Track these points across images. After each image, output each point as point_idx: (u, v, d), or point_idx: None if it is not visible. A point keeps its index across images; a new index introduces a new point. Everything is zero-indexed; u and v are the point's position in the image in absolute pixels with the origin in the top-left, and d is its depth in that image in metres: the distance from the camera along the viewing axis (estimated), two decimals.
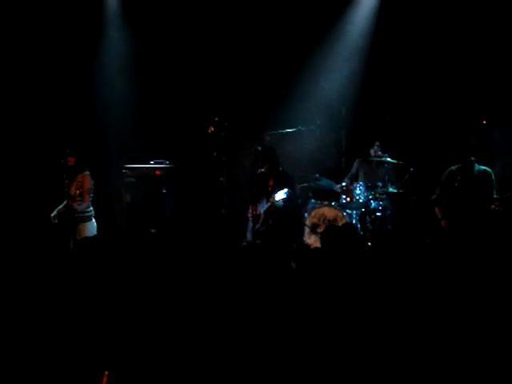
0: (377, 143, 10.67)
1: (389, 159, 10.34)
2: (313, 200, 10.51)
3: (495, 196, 9.27)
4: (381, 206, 10.37)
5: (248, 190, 9.65)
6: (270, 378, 4.54)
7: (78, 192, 9.15)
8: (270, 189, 9.51)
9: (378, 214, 10.35)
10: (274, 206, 9.33)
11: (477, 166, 9.40)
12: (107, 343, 4.81)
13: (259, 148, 9.73)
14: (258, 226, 9.39)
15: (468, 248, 7.57)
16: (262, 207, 9.45)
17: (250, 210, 9.49)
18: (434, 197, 9.61)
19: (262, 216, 9.39)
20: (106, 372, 4.61)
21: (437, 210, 9.56)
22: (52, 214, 9.37)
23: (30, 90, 11.32)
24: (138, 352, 4.75)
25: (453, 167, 9.52)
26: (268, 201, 9.44)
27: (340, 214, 10.18)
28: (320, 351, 4.65)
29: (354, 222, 10.26)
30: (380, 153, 10.57)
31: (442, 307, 5.03)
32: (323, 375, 4.54)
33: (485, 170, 9.38)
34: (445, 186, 9.50)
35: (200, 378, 4.59)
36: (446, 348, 4.65)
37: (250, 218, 9.50)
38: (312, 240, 10.18)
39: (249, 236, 9.54)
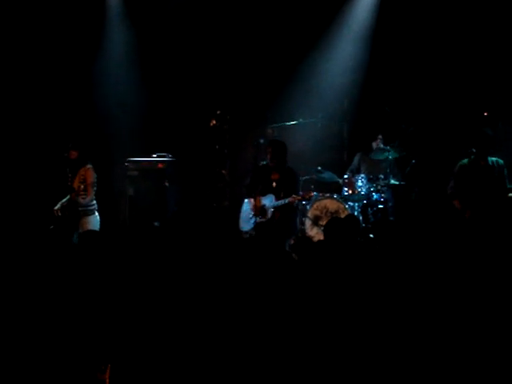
0: (379, 136, 10.67)
1: (390, 157, 10.35)
2: (315, 192, 10.52)
3: (508, 186, 9.20)
4: (382, 198, 10.39)
5: (250, 179, 9.63)
6: (274, 370, 4.56)
7: (81, 186, 9.17)
8: (274, 184, 9.48)
9: (380, 206, 10.36)
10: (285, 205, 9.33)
11: (489, 157, 9.32)
12: (110, 335, 4.84)
13: (270, 141, 9.69)
14: (259, 218, 9.36)
15: (491, 236, 7.60)
16: (269, 202, 9.39)
17: (252, 201, 9.44)
18: (449, 190, 9.42)
19: (268, 210, 9.35)
20: (109, 365, 4.64)
21: (455, 202, 9.30)
22: (55, 208, 9.39)
23: (33, 85, 11.33)
24: (141, 345, 4.77)
25: (464, 160, 9.37)
26: (275, 196, 9.38)
27: (342, 206, 10.19)
28: (323, 343, 4.66)
29: (355, 214, 10.27)
30: (382, 145, 10.57)
31: (446, 300, 5.04)
32: (326, 368, 4.56)
33: (497, 160, 9.25)
34: (459, 178, 9.34)
35: (204, 369, 4.61)
36: (450, 341, 4.66)
37: (252, 209, 9.42)
38: (314, 232, 10.20)
39: (244, 225, 9.47)
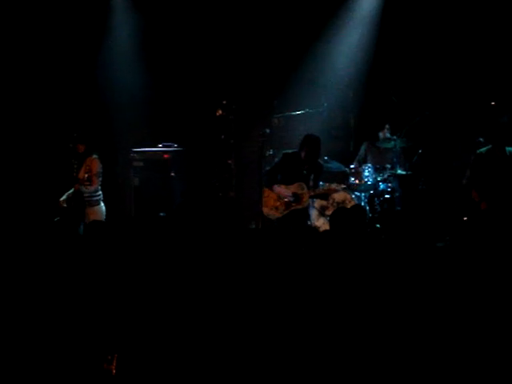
0: (387, 126, 10.64)
1: (397, 146, 10.31)
2: (321, 182, 10.49)
3: None
4: (389, 187, 10.36)
5: (273, 168, 9.67)
6: (280, 364, 4.55)
7: (86, 176, 9.16)
8: (304, 173, 9.54)
9: (387, 195, 10.33)
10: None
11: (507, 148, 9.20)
12: (116, 326, 4.83)
13: (306, 137, 9.71)
14: (294, 205, 9.45)
15: (506, 229, 7.52)
16: (302, 189, 9.48)
17: (277, 188, 9.49)
18: (465, 181, 9.37)
19: (306, 197, 9.45)
20: (116, 355, 4.63)
21: (473, 193, 9.19)
22: (61, 199, 9.38)
23: (39, 76, 11.32)
24: (147, 335, 4.77)
25: (482, 149, 9.29)
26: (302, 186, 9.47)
27: (348, 197, 10.15)
28: (329, 334, 4.65)
29: (362, 204, 10.24)
30: (389, 135, 10.54)
31: (452, 291, 5.02)
32: (334, 363, 4.55)
33: None
34: (476, 168, 9.23)
35: (210, 360, 4.60)
36: (456, 337, 4.64)
37: (287, 196, 9.49)
38: (320, 222, 10.17)
39: (270, 212, 9.54)
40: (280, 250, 5.60)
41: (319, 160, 9.78)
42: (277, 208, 9.53)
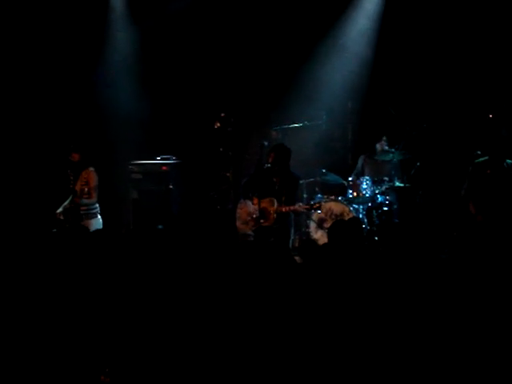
0: (384, 138, 10.66)
1: (394, 159, 10.33)
2: (319, 195, 10.50)
3: None
4: (387, 200, 10.37)
5: (248, 180, 9.60)
6: (276, 370, 4.54)
7: (85, 189, 9.16)
8: (276, 187, 9.44)
9: (385, 208, 10.35)
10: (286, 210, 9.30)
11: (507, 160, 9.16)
12: (113, 338, 4.82)
13: (274, 146, 9.66)
14: (262, 221, 9.31)
15: (501, 241, 7.51)
16: (271, 205, 9.36)
17: (249, 203, 9.39)
18: (463, 192, 9.26)
19: (272, 214, 9.30)
20: (113, 367, 4.63)
21: (470, 205, 9.13)
22: (58, 211, 9.37)
23: (36, 87, 11.34)
24: (145, 347, 4.76)
25: (479, 159, 9.24)
26: (277, 200, 9.34)
27: (347, 209, 10.17)
28: (325, 346, 4.64)
29: (360, 216, 10.25)
30: (386, 147, 10.56)
31: (450, 302, 5.01)
32: (328, 371, 4.54)
33: (511, 162, 9.16)
34: (473, 179, 9.18)
35: (205, 371, 4.60)
36: (454, 344, 4.63)
37: (255, 212, 9.34)
38: (319, 235, 10.18)
39: (241, 226, 9.42)
40: (277, 262, 5.60)
41: (294, 172, 9.62)
42: (247, 223, 9.43)
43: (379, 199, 10.36)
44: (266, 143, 9.84)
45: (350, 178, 10.49)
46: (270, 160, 9.42)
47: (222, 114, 11.09)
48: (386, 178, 10.43)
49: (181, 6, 11.43)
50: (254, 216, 9.31)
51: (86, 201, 9.21)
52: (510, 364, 4.45)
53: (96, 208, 9.41)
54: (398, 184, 10.42)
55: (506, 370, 4.43)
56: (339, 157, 11.55)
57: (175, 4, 11.44)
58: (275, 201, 9.32)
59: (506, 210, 8.91)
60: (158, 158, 11.08)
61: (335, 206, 10.26)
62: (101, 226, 9.35)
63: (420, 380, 4.47)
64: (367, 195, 10.31)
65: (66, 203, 9.38)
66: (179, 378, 4.60)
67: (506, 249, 6.62)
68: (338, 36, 11.38)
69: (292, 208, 9.29)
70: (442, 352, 4.56)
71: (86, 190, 9.15)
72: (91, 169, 9.36)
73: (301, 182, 10.02)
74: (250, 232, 9.30)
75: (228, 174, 11.24)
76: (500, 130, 9.63)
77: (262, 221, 9.30)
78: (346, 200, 10.32)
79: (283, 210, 9.27)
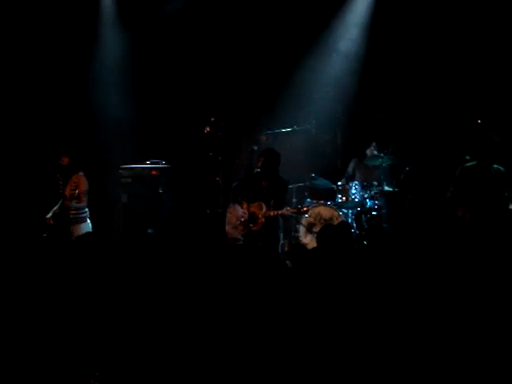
0: (373, 143, 10.70)
1: (384, 164, 10.37)
2: (308, 199, 10.52)
3: (507, 194, 9.09)
4: (376, 205, 10.40)
5: (238, 184, 9.61)
6: (266, 374, 4.56)
7: (75, 193, 9.15)
8: (265, 191, 9.45)
9: (374, 212, 10.37)
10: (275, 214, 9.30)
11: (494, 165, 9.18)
12: (104, 342, 4.83)
13: (263, 150, 9.67)
14: (251, 225, 9.32)
15: (490, 241, 7.54)
16: (260, 209, 9.36)
17: (242, 208, 9.39)
18: (449, 195, 9.28)
19: (261, 219, 9.31)
20: (103, 371, 4.63)
21: (457, 207, 9.11)
22: (47, 216, 9.35)
23: (26, 91, 11.33)
24: (136, 351, 4.76)
25: (467, 164, 9.26)
26: (266, 204, 9.34)
27: (336, 214, 10.19)
28: (316, 351, 4.66)
29: (349, 221, 10.28)
30: (376, 152, 10.59)
31: (441, 306, 5.04)
32: (318, 374, 4.55)
33: (498, 168, 9.17)
34: (460, 183, 9.20)
35: (199, 376, 4.61)
36: (446, 346, 4.65)
37: (244, 216, 9.35)
38: (308, 239, 10.20)
39: (230, 230, 9.42)
40: (268, 267, 5.61)
41: (283, 177, 9.60)
42: (236, 227, 9.43)
43: (368, 204, 10.39)
44: (255, 148, 9.86)
45: (340, 183, 10.51)
46: (260, 164, 9.44)
47: (212, 119, 11.11)
48: (375, 183, 10.46)
49: (172, 9, 11.45)
50: (243, 220, 9.32)
51: (75, 205, 9.21)
52: (500, 363, 4.48)
53: (86, 212, 9.40)
54: (386, 189, 10.46)
55: (495, 369, 4.46)
56: (328, 161, 11.57)
57: (166, 8, 11.46)
58: (264, 205, 9.34)
59: (493, 209, 8.96)
60: (148, 163, 11.07)
61: (324, 211, 10.28)
62: (90, 231, 9.34)
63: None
64: (356, 200, 10.34)
65: (55, 208, 9.37)
66: (169, 382, 4.61)
67: (495, 248, 6.66)
68: (328, 41, 11.41)
69: (280, 212, 9.31)
70: (431, 354, 4.59)
71: (76, 194, 9.15)
72: (81, 173, 9.35)
73: (290, 186, 10.04)
74: (239, 236, 9.32)
75: (218, 179, 11.25)
76: (490, 135, 9.66)
77: (250, 225, 9.32)
78: (335, 204, 10.34)
79: (271, 214, 9.29)
